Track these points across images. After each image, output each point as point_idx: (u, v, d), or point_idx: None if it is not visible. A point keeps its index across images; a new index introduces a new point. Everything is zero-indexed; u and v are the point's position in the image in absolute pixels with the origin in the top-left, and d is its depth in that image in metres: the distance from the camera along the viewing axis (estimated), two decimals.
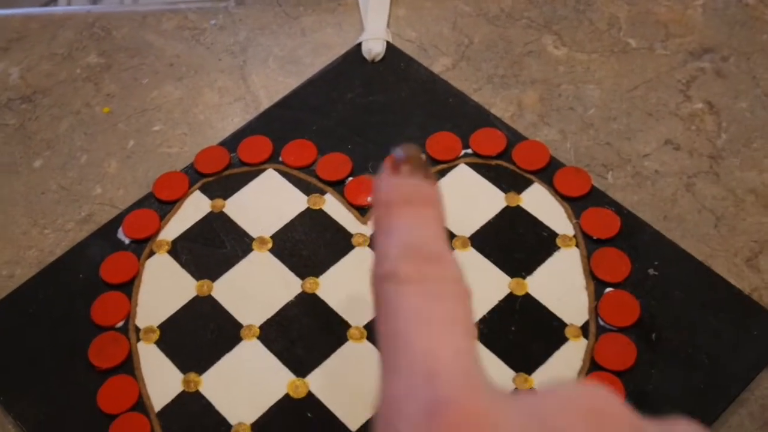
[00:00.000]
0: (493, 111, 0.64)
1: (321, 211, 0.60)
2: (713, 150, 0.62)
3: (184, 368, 0.54)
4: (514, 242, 0.58)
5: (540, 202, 0.59)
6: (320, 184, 0.61)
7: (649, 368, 0.52)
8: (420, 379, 0.26)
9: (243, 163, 0.63)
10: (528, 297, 0.55)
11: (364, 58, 0.68)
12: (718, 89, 0.65)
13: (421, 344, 0.26)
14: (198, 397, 0.53)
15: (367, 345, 0.54)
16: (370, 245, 0.58)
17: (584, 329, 0.54)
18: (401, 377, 0.26)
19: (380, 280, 0.29)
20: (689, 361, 0.52)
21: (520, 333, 0.54)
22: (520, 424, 0.25)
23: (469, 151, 0.62)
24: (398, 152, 0.31)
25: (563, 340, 0.53)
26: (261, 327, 0.55)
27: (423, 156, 0.31)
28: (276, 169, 0.62)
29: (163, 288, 0.58)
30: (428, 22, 0.71)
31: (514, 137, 0.62)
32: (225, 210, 0.61)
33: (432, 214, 0.31)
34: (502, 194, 0.60)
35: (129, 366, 0.55)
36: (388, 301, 0.28)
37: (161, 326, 0.56)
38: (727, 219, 0.58)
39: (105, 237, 0.60)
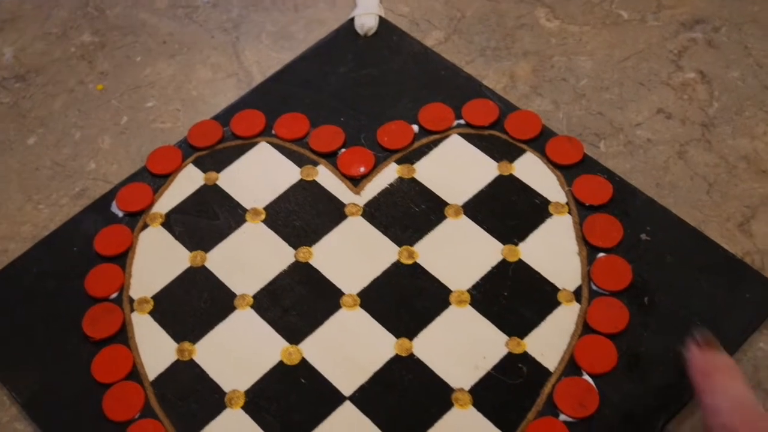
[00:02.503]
0: (486, 83, 0.65)
1: (314, 182, 0.60)
2: (705, 118, 0.62)
3: (177, 337, 0.54)
4: (506, 210, 0.58)
5: (532, 171, 0.59)
6: (313, 156, 0.61)
7: (641, 331, 0.52)
8: None
9: (236, 137, 0.63)
10: (521, 263, 0.55)
11: (356, 33, 0.68)
12: (710, 59, 0.65)
13: None
14: (192, 365, 0.53)
15: (360, 312, 0.54)
16: (363, 215, 0.58)
17: (577, 294, 0.54)
18: None
19: (716, 428, 0.42)
20: (682, 324, 0.52)
21: (513, 298, 0.54)
22: None
23: (462, 121, 0.62)
24: (700, 334, 0.46)
25: (556, 304, 0.54)
26: (254, 296, 0.55)
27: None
28: (269, 142, 0.63)
29: (157, 259, 0.58)
30: None
31: (507, 108, 0.63)
32: (218, 183, 0.61)
33: (738, 376, 0.44)
34: (494, 163, 0.60)
35: (123, 336, 0.55)
36: None
37: (155, 297, 0.56)
38: (720, 185, 0.59)
39: (99, 211, 0.60)
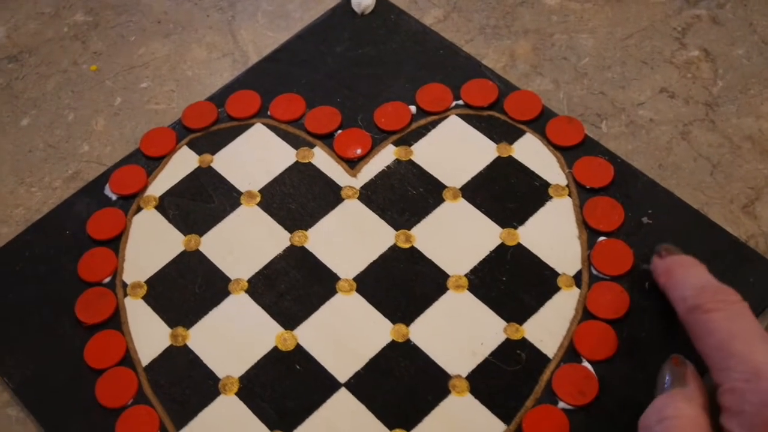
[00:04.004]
0: (485, 62, 0.63)
1: (310, 164, 0.59)
2: (709, 97, 0.61)
3: (171, 323, 0.54)
4: (505, 192, 0.57)
5: (532, 152, 0.58)
6: (309, 138, 0.60)
7: (642, 317, 0.51)
8: (750, 376, 0.40)
9: (231, 118, 0.62)
10: (520, 247, 0.54)
11: (353, 12, 0.67)
12: (714, 36, 0.64)
13: (741, 351, 0.41)
14: (186, 351, 0.53)
15: (356, 297, 0.53)
16: (360, 198, 0.57)
17: (577, 278, 0.53)
18: (731, 378, 0.41)
19: (688, 313, 0.45)
20: None
21: (512, 283, 0.53)
22: None
23: (461, 102, 0.61)
24: (660, 247, 0.50)
25: (555, 289, 0.53)
26: (249, 281, 0.55)
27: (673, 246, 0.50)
28: (264, 124, 0.62)
29: (151, 243, 0.57)
30: None
31: (506, 88, 0.61)
32: (213, 165, 0.60)
33: (699, 267, 0.48)
34: (493, 145, 0.59)
35: (116, 321, 0.54)
36: (700, 326, 0.44)
37: (149, 281, 0.55)
38: (723, 166, 0.57)
39: (92, 194, 0.60)
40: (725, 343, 0.42)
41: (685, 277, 0.47)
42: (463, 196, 0.57)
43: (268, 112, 0.62)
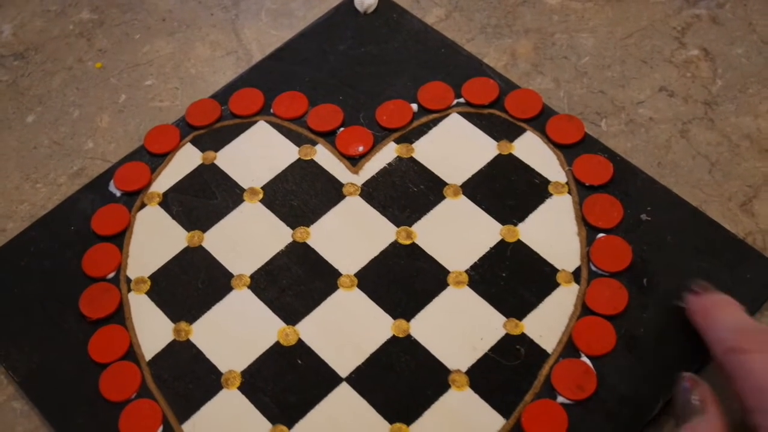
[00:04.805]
0: (486, 61, 0.64)
1: (312, 161, 0.60)
2: (708, 96, 0.61)
3: (174, 318, 0.54)
4: (506, 190, 0.57)
5: (532, 150, 0.59)
6: (311, 135, 0.61)
7: (640, 313, 0.52)
8: None
9: (234, 116, 0.63)
10: (519, 243, 0.55)
11: (356, 10, 0.68)
12: (714, 36, 0.64)
13: None
14: (189, 345, 0.53)
15: (357, 293, 0.54)
16: (361, 195, 0.58)
17: (576, 275, 0.53)
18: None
19: (725, 354, 0.44)
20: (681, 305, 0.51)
21: (512, 279, 0.54)
22: None
23: (462, 100, 0.62)
24: (694, 284, 0.49)
25: (554, 285, 0.53)
26: (252, 276, 0.55)
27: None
28: (267, 121, 0.62)
29: (154, 239, 0.58)
30: None
31: (507, 86, 0.62)
32: (216, 162, 0.60)
33: (736, 307, 0.47)
34: (494, 142, 0.59)
35: (120, 316, 0.55)
36: (738, 367, 0.43)
37: (152, 277, 0.56)
38: (722, 164, 0.58)
39: (96, 190, 0.60)
40: (765, 384, 0.41)
41: (723, 317, 0.46)
42: (464, 193, 0.57)
43: (271, 110, 0.63)
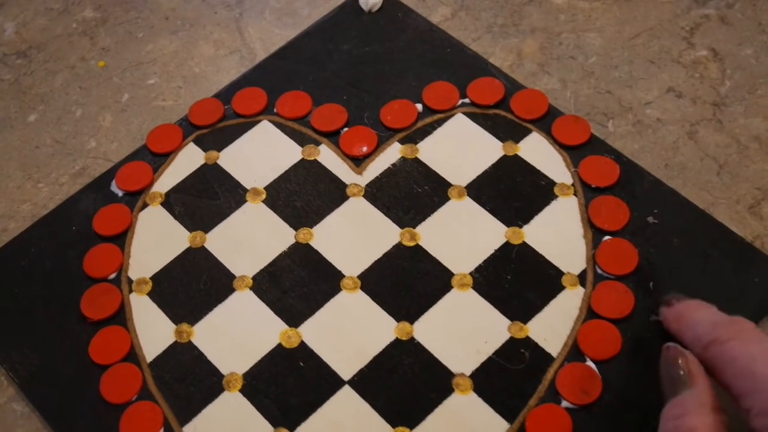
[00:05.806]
0: (492, 60, 0.63)
1: (315, 161, 0.59)
2: (717, 97, 0.60)
3: (176, 319, 0.54)
4: (511, 191, 0.57)
5: (538, 151, 0.58)
6: (315, 135, 0.60)
7: (646, 316, 0.51)
8: None
9: (237, 115, 0.62)
10: (524, 246, 0.54)
11: (361, 9, 0.67)
12: (723, 36, 0.63)
13: (764, 372, 0.41)
14: (190, 347, 0.53)
15: (360, 295, 0.53)
16: (365, 196, 0.57)
17: (581, 277, 0.53)
18: (760, 399, 0.40)
19: (706, 349, 0.44)
20: None
21: (516, 281, 0.53)
22: None
23: (467, 100, 0.61)
24: (667, 296, 0.49)
25: (560, 288, 0.53)
26: (254, 278, 0.55)
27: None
28: (270, 121, 0.62)
29: (156, 240, 0.57)
30: None
31: (513, 86, 0.61)
32: (219, 162, 0.60)
33: (708, 307, 0.47)
34: (499, 143, 0.59)
35: (121, 317, 0.54)
36: (719, 358, 0.43)
37: (154, 278, 0.55)
38: (730, 166, 0.57)
39: (98, 190, 0.60)
40: (747, 367, 0.41)
41: (696, 317, 0.46)
42: (469, 195, 0.57)
43: (275, 110, 0.62)
